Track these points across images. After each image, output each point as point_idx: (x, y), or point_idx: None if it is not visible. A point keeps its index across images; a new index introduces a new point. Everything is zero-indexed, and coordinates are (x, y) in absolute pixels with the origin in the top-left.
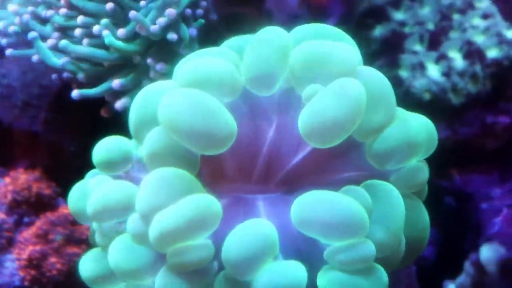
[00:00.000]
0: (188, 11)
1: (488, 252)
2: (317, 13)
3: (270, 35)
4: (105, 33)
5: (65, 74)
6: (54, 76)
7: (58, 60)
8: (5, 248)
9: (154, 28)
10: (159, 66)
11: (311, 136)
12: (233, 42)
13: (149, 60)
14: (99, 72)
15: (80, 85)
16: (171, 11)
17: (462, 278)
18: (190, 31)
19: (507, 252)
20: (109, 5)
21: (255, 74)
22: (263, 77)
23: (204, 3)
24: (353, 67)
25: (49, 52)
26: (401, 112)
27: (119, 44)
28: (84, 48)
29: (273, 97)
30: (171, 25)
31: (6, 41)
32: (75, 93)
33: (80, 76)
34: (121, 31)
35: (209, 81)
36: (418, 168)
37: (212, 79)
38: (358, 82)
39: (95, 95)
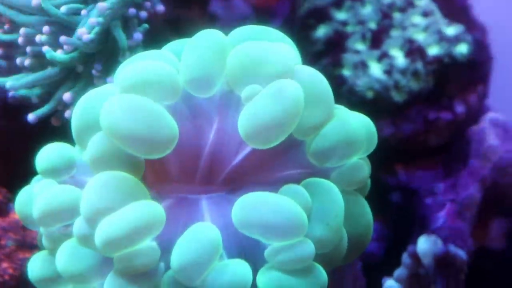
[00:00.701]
0: (132, 11)
1: (425, 244)
2: (263, 15)
3: (206, 38)
4: (45, 49)
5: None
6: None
7: (3, 79)
8: None
9: (86, 38)
10: (109, 79)
11: (251, 138)
12: (173, 45)
13: (93, 72)
14: (48, 88)
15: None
16: (102, 6)
17: (400, 270)
18: (136, 36)
19: (443, 246)
20: (45, 28)
21: (193, 76)
22: (201, 79)
23: (148, 4)
24: (289, 67)
25: None
26: (341, 110)
27: (60, 57)
28: (29, 77)
29: (214, 99)
30: (109, 31)
31: None
32: (31, 117)
33: (34, 99)
34: (66, 47)
35: (149, 85)
36: (359, 166)
37: (151, 83)
38: (295, 82)
39: (49, 111)
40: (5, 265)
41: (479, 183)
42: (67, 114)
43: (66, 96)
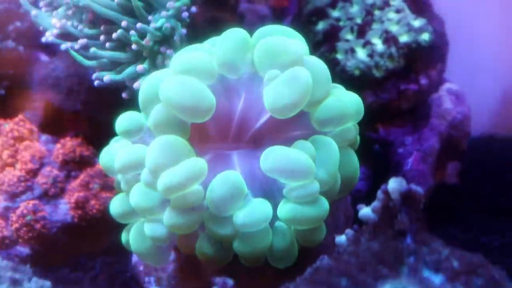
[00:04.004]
0: (185, 14)
1: (393, 184)
2: (278, 14)
3: (232, 34)
4: (132, 33)
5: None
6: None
7: (89, 62)
8: (59, 195)
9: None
10: (169, 52)
11: (274, 111)
12: (212, 40)
13: (162, 48)
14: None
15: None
16: (171, 4)
17: (375, 203)
18: (182, 31)
19: (407, 185)
20: (123, 23)
21: (223, 61)
22: (228, 63)
23: (193, 9)
24: (300, 56)
25: (81, 57)
26: (338, 89)
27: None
28: (107, 53)
29: (242, 79)
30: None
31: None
32: (106, 78)
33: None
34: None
35: (194, 69)
36: (348, 129)
37: (196, 68)
38: (306, 70)
39: (120, 80)
40: (93, 202)
41: (437, 136)
42: (135, 85)
43: (140, 67)
